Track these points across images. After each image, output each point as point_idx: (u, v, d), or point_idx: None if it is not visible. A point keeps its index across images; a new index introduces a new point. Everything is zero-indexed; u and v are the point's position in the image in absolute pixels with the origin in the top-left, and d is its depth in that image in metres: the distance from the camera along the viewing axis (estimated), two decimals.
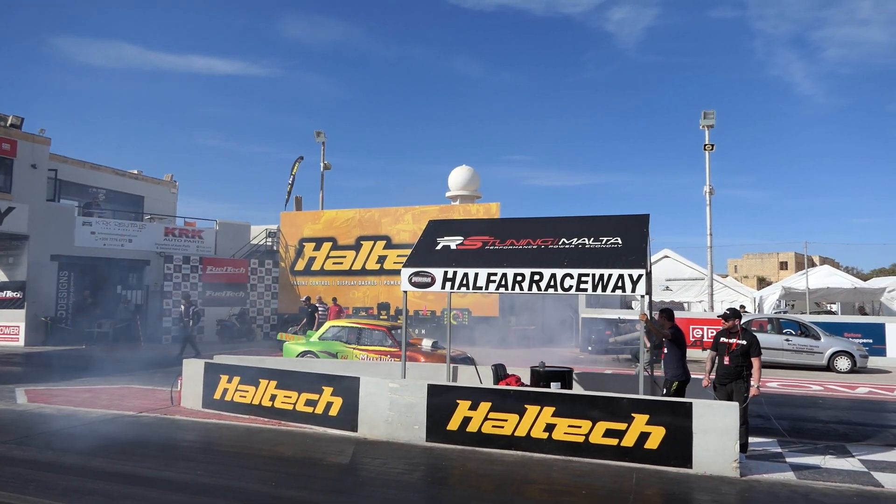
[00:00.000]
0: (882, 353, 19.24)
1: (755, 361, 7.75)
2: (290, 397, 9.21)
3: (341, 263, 25.28)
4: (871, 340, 19.39)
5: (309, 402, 9.01)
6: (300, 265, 25.85)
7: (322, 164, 29.64)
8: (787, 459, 7.66)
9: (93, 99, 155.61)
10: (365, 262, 24.93)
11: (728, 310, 8.35)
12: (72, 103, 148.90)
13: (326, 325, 14.57)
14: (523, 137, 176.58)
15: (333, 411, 8.78)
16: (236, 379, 9.82)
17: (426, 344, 13.35)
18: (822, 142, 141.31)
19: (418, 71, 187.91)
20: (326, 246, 25.56)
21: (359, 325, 14.06)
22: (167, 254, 23.57)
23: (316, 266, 25.62)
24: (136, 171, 28.62)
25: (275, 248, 26.88)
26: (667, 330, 8.31)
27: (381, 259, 24.63)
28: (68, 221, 22.26)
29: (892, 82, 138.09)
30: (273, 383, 9.43)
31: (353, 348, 13.45)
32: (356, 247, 25.15)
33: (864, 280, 35.86)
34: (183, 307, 17.56)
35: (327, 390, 8.88)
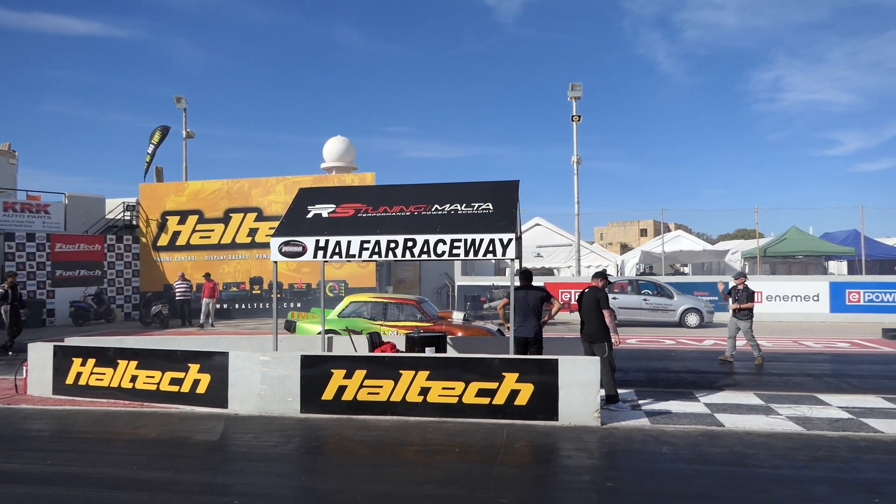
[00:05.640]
0: (726, 308, 21.08)
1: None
2: (153, 377, 8.69)
3: (209, 237, 24.10)
4: (716, 298, 21.24)
5: (174, 381, 8.55)
6: (163, 240, 24.36)
7: (184, 132, 27.97)
8: (643, 407, 8.27)
9: None
10: (235, 236, 23.92)
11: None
12: None
13: (346, 300, 13.13)
14: (402, 109, 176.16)
15: (201, 389, 8.39)
16: (91, 361, 9.11)
17: (457, 317, 12.70)
18: (679, 118, 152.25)
19: (294, 37, 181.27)
20: (192, 219, 24.23)
21: (384, 300, 12.97)
22: (7, 231, 21.35)
23: (181, 241, 24.26)
24: None
25: (134, 222, 25.12)
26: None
27: (252, 232, 23.73)
28: None
29: (740, 63, 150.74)
30: (133, 363, 8.85)
31: (380, 325, 12.20)
32: (225, 220, 24.04)
33: (713, 244, 39.23)
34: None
35: (194, 367, 8.46)
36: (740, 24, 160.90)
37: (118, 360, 8.94)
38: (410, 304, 12.69)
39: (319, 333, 10.94)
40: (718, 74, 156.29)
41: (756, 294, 12.21)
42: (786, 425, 7.36)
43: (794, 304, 21.47)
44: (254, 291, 23.70)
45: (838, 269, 30.74)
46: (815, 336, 16.93)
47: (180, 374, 8.52)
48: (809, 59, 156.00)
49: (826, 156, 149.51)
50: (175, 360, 8.66)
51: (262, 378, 8.07)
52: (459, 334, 11.54)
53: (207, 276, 20.89)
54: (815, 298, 21.52)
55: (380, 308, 12.71)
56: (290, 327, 12.89)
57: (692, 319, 19.15)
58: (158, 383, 8.63)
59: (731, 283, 12.62)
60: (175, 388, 8.53)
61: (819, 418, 7.67)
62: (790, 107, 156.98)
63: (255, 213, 23.89)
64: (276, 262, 8.72)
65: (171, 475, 5.91)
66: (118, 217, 25.14)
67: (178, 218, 24.35)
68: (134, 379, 8.79)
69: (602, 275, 8.80)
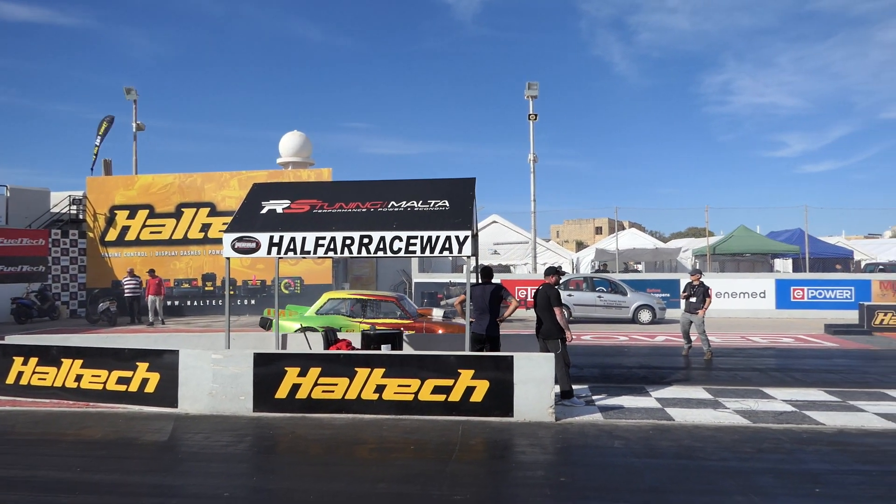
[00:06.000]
0: (677, 305, 21.61)
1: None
2: (100, 376, 8.42)
3: (160, 233, 23.49)
4: (668, 294, 21.77)
5: (121, 381, 8.31)
6: (112, 235, 23.65)
7: (134, 125, 27.18)
8: (597, 402, 8.39)
9: None
10: (187, 231, 23.38)
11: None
12: None
13: (324, 297, 12.70)
14: (360, 104, 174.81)
15: (150, 388, 8.17)
16: (33, 360, 8.78)
17: (437, 314, 12.38)
18: (634, 118, 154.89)
19: (250, 30, 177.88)
20: (142, 214, 23.57)
21: (363, 297, 12.61)
22: None
23: (130, 236, 23.59)
24: None
25: (81, 216, 24.31)
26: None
27: (205, 227, 23.22)
28: None
29: (693, 66, 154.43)
30: (79, 362, 8.56)
31: (360, 322, 11.79)
32: (177, 214, 23.48)
33: (665, 242, 40.12)
34: None
35: (142, 366, 8.23)
36: (692, 28, 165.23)
37: (62, 359, 8.64)
38: (390, 300, 12.45)
39: (297, 331, 10.66)
40: (672, 77, 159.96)
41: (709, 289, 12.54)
42: (733, 419, 7.57)
43: (741, 300, 22.08)
44: (206, 288, 23.22)
45: (783, 266, 31.75)
46: (761, 331, 17.45)
47: (128, 373, 8.28)
48: (757, 63, 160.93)
49: (773, 157, 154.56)
50: (122, 358, 8.42)
51: (213, 376, 7.91)
52: (440, 332, 11.41)
53: (152, 272, 20.29)
54: (762, 295, 22.19)
55: (359, 305, 12.45)
56: (266, 325, 12.46)
57: (645, 316, 19.51)
58: (105, 382, 8.37)
59: (687, 279, 12.90)
60: (122, 388, 8.29)
61: (764, 411, 7.91)
62: (739, 109, 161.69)
63: (209, 208, 23.39)
64: (228, 259, 8.56)
65: (118, 477, 5.74)
66: (64, 211, 24.30)
67: (127, 212, 23.66)
68: (79, 378, 8.51)
69: (554, 271, 8.78)
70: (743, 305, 21.96)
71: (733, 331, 17.49)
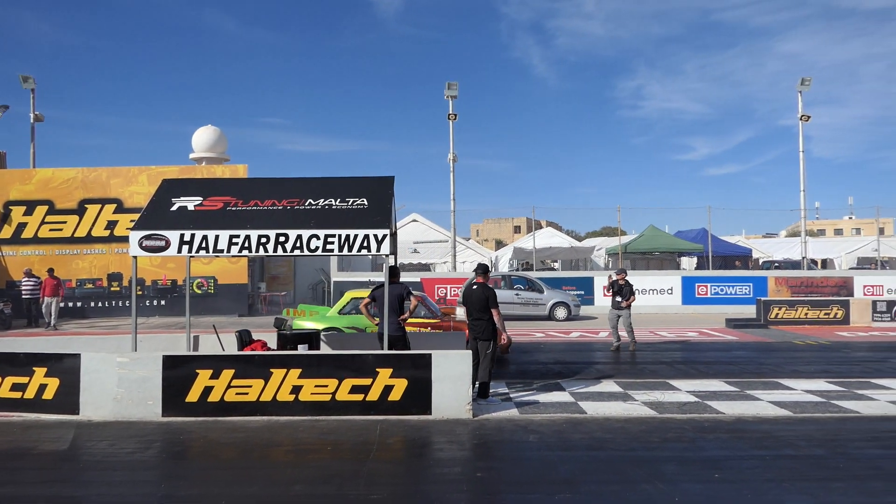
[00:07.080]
0: (591, 302, 22.44)
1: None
2: None
3: (61, 230, 22.13)
4: (582, 292, 22.49)
5: (16, 387, 7.79)
6: (6, 232, 22.07)
7: (32, 115, 25.47)
8: (513, 398, 8.57)
9: None
10: (91, 229, 22.14)
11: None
12: None
13: (346, 296, 12.07)
14: (278, 100, 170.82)
15: (48, 394, 7.70)
16: None
17: (461, 312, 12.03)
18: (552, 120, 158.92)
19: (160, 18, 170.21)
20: (41, 210, 22.13)
21: None
22: None
23: (28, 233, 22.09)
24: None
25: None
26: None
27: (111, 224, 22.07)
28: None
29: (607, 71, 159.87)
30: None
31: None
32: (79, 211, 22.19)
33: (580, 241, 41.32)
34: None
35: (39, 371, 7.74)
36: (607, 35, 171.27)
37: None
38: (415, 300, 12.25)
39: (324, 331, 10.04)
40: (588, 81, 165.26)
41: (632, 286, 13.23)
42: (641, 410, 7.90)
43: (650, 297, 23.06)
44: (112, 288, 22.08)
45: (689, 264, 33.32)
46: (668, 326, 18.30)
47: (23, 380, 7.78)
48: (666, 70, 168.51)
49: (680, 160, 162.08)
50: (17, 363, 7.89)
51: (118, 381, 7.54)
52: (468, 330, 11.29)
53: (51, 272, 19.18)
54: (669, 292, 23.27)
55: None
56: (282, 326, 11.42)
57: (560, 313, 20.04)
58: None
59: (613, 278, 13.48)
60: (17, 395, 7.77)
61: (670, 402, 8.30)
62: (650, 114, 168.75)
63: (115, 205, 22.25)
64: (135, 258, 8.18)
65: (12, 490, 5.39)
66: None
67: (24, 208, 22.16)
68: None
69: (486, 268, 8.85)
70: (652, 301, 22.94)
71: (643, 326, 18.18)
